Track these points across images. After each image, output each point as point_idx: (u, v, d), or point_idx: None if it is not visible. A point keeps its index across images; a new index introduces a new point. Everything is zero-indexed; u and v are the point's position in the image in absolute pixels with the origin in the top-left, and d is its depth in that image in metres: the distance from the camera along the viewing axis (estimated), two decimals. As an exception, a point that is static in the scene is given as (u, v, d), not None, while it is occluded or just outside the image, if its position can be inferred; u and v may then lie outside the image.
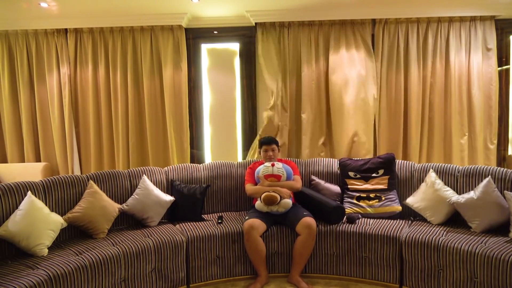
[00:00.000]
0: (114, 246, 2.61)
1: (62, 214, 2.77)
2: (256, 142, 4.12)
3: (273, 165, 3.13)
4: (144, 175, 3.23)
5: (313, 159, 3.64)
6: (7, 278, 2.11)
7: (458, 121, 4.09)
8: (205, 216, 3.30)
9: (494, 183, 2.78)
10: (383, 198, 3.20)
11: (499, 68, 4.11)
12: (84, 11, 3.99)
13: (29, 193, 2.60)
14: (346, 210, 3.16)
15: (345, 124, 4.06)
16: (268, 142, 3.34)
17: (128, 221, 3.14)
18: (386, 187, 3.23)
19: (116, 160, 4.39)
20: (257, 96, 4.38)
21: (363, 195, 3.25)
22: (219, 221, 3.13)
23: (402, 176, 3.31)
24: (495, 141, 4.13)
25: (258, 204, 3.01)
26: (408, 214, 3.19)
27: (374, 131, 4.14)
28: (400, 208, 3.18)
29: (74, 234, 2.86)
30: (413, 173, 3.27)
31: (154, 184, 3.22)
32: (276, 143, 3.38)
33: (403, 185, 3.30)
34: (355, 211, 3.20)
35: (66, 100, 4.30)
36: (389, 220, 3.07)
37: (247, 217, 3.01)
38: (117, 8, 3.92)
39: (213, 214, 3.39)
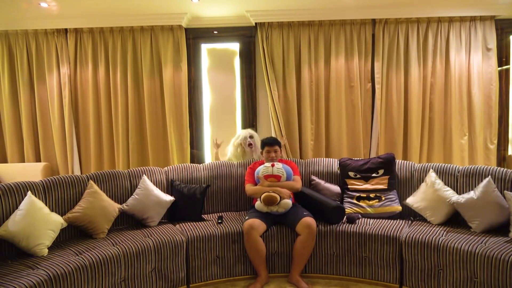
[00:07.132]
0: (114, 246, 2.61)
1: (62, 214, 2.76)
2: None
3: (273, 165, 3.12)
4: (144, 175, 3.22)
5: (313, 159, 3.64)
6: (7, 278, 2.11)
7: (458, 121, 4.09)
8: (205, 216, 3.29)
9: (494, 183, 2.78)
10: (383, 198, 3.19)
11: (499, 68, 4.11)
12: (84, 11, 3.99)
13: (29, 193, 2.60)
14: (346, 210, 3.16)
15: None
16: (270, 143, 3.31)
17: (128, 221, 3.14)
18: (386, 187, 3.23)
19: (116, 160, 4.39)
20: (257, 96, 4.38)
21: (363, 195, 3.24)
22: (219, 221, 3.13)
23: (402, 176, 3.30)
24: (495, 141, 4.13)
25: (258, 204, 3.01)
26: (408, 214, 3.19)
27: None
28: (400, 208, 3.17)
29: (74, 234, 2.85)
30: (413, 173, 3.27)
31: (154, 184, 3.22)
32: (279, 144, 3.36)
33: (403, 185, 3.29)
34: (355, 211, 3.19)
35: (66, 100, 4.30)
36: (389, 220, 3.07)
37: (247, 217, 3.00)
38: (117, 8, 3.92)
39: (213, 214, 3.39)
